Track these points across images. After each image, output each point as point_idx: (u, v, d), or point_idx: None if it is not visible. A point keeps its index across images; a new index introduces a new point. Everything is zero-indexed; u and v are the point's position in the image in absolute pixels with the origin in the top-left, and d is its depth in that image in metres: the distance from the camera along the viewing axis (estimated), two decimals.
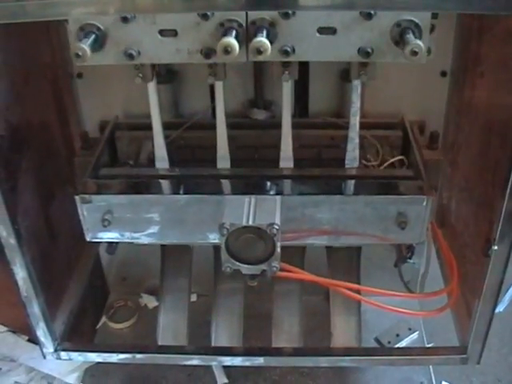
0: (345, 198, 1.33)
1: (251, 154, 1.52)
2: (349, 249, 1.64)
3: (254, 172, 1.42)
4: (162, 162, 1.44)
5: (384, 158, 1.50)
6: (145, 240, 1.41)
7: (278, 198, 1.31)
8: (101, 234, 1.39)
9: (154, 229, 1.38)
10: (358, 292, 1.51)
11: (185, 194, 1.35)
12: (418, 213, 1.32)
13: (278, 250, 1.27)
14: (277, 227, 1.24)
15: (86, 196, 1.33)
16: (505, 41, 1.27)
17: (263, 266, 1.30)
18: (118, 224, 1.36)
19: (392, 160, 1.48)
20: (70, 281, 1.67)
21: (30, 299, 1.44)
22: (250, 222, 1.25)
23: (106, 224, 1.34)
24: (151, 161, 1.46)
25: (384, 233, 1.35)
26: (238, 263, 1.30)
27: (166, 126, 1.43)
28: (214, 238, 1.34)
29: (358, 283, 1.63)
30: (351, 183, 1.40)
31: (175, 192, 1.38)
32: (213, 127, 1.39)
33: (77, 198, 1.33)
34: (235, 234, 1.26)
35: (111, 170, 1.47)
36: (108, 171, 1.45)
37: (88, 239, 1.40)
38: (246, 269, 1.31)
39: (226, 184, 1.41)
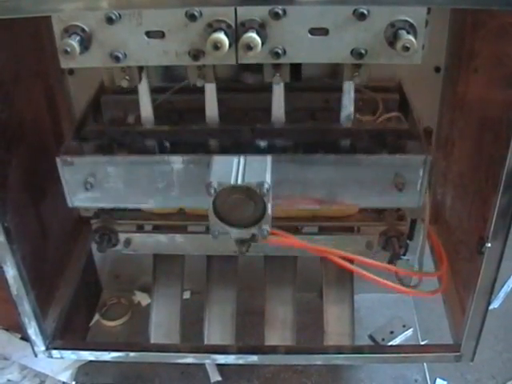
0: (339, 158, 1.29)
1: (242, 118, 1.46)
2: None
3: (243, 128, 1.37)
4: (148, 122, 1.39)
5: (381, 116, 1.45)
6: (129, 205, 1.37)
7: (269, 157, 1.26)
8: (83, 199, 1.34)
9: (138, 193, 1.33)
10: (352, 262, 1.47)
11: (171, 153, 1.31)
12: (417, 173, 1.27)
13: (269, 211, 1.21)
14: (267, 186, 1.18)
15: (68, 158, 1.28)
16: (499, 36, 1.26)
17: (253, 230, 1.25)
18: (101, 188, 1.31)
19: (388, 115, 1.44)
20: (62, 279, 1.66)
21: (20, 297, 1.43)
22: (239, 181, 1.19)
23: (88, 187, 1.29)
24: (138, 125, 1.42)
25: (380, 195, 1.31)
26: (226, 226, 1.24)
27: (154, 90, 1.38)
28: (204, 201, 1.25)
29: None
30: (346, 142, 1.36)
31: (160, 152, 1.35)
32: (202, 90, 1.34)
33: (58, 160, 1.28)
34: (223, 195, 1.20)
35: (95, 127, 1.43)
36: (91, 129, 1.41)
37: (70, 205, 1.34)
38: (235, 232, 1.25)
39: (214, 144, 1.37)
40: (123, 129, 1.42)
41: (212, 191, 1.18)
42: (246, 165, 1.24)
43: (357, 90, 1.34)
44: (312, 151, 1.31)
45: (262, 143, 1.35)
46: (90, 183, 1.29)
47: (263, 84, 1.35)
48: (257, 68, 1.43)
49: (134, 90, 1.35)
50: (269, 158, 1.26)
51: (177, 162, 1.28)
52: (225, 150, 1.33)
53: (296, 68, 1.45)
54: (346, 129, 1.37)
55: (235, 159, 1.25)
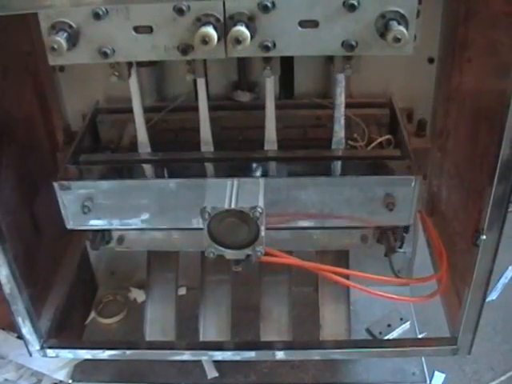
0: (331, 180, 1.31)
1: (235, 136, 1.50)
2: (338, 252, 1.62)
3: (237, 154, 1.40)
4: (144, 146, 1.41)
5: (371, 138, 1.47)
6: (125, 227, 1.40)
7: (262, 180, 1.29)
8: (81, 222, 1.37)
9: (134, 215, 1.36)
10: (347, 278, 1.49)
11: (166, 178, 1.33)
12: (407, 193, 1.29)
13: (262, 233, 1.24)
14: (260, 210, 1.20)
15: (65, 182, 1.30)
16: (492, 25, 1.26)
17: (247, 251, 1.27)
18: (98, 211, 1.34)
19: (379, 140, 1.46)
20: (56, 277, 1.66)
21: (13, 297, 1.42)
22: (233, 206, 1.22)
23: (86, 211, 1.32)
24: (134, 145, 1.44)
25: (371, 215, 1.33)
26: (221, 248, 1.27)
27: (149, 110, 1.41)
28: (197, 222, 1.30)
29: None
30: (337, 164, 1.38)
31: (156, 177, 1.37)
32: (196, 109, 1.36)
33: (55, 184, 1.30)
34: (217, 218, 1.23)
35: (91, 156, 1.44)
36: (88, 157, 1.42)
37: (68, 227, 1.38)
38: (229, 254, 1.28)
39: (208, 167, 1.39)
40: (118, 157, 1.45)
41: (206, 216, 1.22)
42: (239, 188, 1.27)
43: (347, 117, 1.38)
44: (305, 173, 1.34)
45: (255, 165, 1.37)
46: (87, 207, 1.32)
47: (256, 102, 1.44)
48: (249, 87, 1.51)
49: (130, 110, 1.38)
50: (261, 181, 1.29)
51: (172, 185, 1.31)
52: (218, 172, 1.37)
53: (289, 85, 1.55)
54: (337, 157, 1.39)
55: (229, 182, 1.29)
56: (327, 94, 1.57)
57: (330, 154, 1.39)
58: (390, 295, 1.48)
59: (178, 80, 1.58)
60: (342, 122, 1.36)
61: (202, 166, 1.39)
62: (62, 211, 1.35)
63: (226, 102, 1.55)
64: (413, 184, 1.29)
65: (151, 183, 1.33)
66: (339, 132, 1.37)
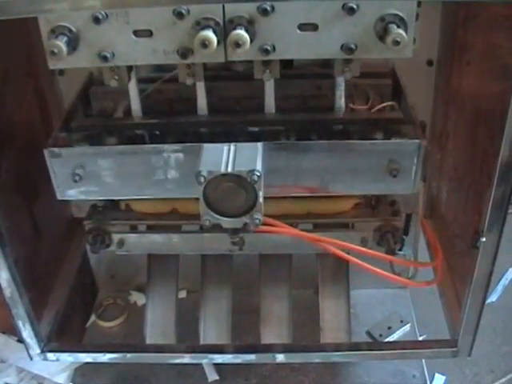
0: (332, 144, 1.27)
1: (233, 106, 1.44)
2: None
3: (234, 119, 1.36)
4: (137, 114, 1.38)
5: (374, 105, 1.42)
6: (119, 197, 1.37)
7: (260, 144, 1.24)
8: (72, 192, 1.32)
9: (128, 184, 1.32)
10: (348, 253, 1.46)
11: (160, 143, 1.29)
12: (411, 158, 1.26)
13: (261, 200, 1.19)
14: (258, 174, 1.15)
15: (56, 149, 1.27)
16: (491, 28, 1.26)
17: (245, 219, 1.22)
18: (90, 180, 1.30)
19: (382, 105, 1.41)
20: (57, 280, 1.66)
21: (14, 300, 1.42)
22: (229, 169, 1.17)
23: (76, 179, 1.28)
24: (127, 115, 1.40)
25: (374, 182, 1.29)
26: (217, 216, 1.22)
27: (143, 80, 1.37)
28: (193, 192, 1.22)
29: (348, 286, 1.63)
30: (339, 128, 1.34)
31: (150, 142, 1.33)
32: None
33: (46, 151, 1.27)
34: (213, 183, 1.18)
35: (83, 122, 1.41)
36: (80, 123, 1.40)
37: (59, 197, 1.33)
38: (226, 222, 1.23)
39: (205, 133, 1.35)
40: (112, 120, 1.41)
41: (202, 180, 1.16)
42: (236, 153, 1.22)
43: (349, 84, 1.34)
44: (304, 139, 1.29)
45: (253, 130, 1.33)
46: (78, 175, 1.27)
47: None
48: None
49: None
50: (260, 146, 1.24)
51: (167, 150, 1.27)
52: (216, 139, 1.30)
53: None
54: (339, 119, 1.36)
55: (225, 147, 1.23)
56: (326, 63, 1.49)
57: (332, 117, 1.36)
58: (387, 274, 1.45)
59: None
60: (343, 87, 1.33)
61: (198, 132, 1.35)
62: (53, 180, 1.30)
63: (223, 72, 1.45)
64: (417, 147, 1.25)
65: (145, 148, 1.28)
66: (340, 100, 1.35)
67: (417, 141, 1.25)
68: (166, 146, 1.27)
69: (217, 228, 1.25)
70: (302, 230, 1.43)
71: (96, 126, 1.40)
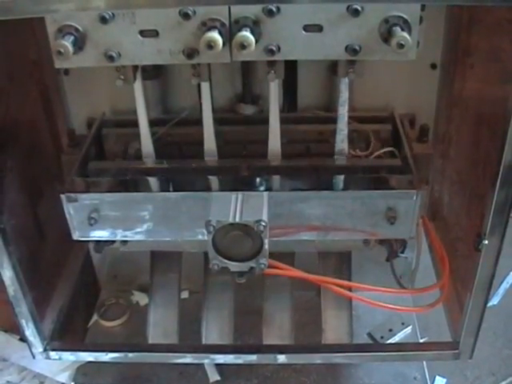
0: (333, 194, 1.32)
1: (239, 150, 1.50)
2: (340, 254, 1.64)
3: (240, 164, 1.40)
4: (149, 157, 1.43)
5: (374, 151, 1.47)
6: (131, 238, 1.40)
7: (266, 194, 1.30)
8: (88, 233, 1.38)
9: (140, 227, 1.37)
10: (350, 289, 1.50)
11: (170, 190, 1.34)
12: (408, 207, 1.30)
13: (266, 246, 1.26)
14: (264, 224, 1.22)
15: (72, 195, 1.32)
16: (494, 32, 1.26)
17: (251, 263, 1.29)
18: (104, 222, 1.35)
19: (382, 151, 1.46)
20: (59, 279, 1.66)
21: (17, 299, 1.43)
22: (237, 219, 1.24)
23: (92, 222, 1.33)
24: (138, 158, 1.45)
25: (373, 228, 1.34)
26: (225, 260, 1.29)
27: (154, 123, 1.42)
28: (202, 234, 1.32)
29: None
30: (340, 178, 1.39)
31: (161, 189, 1.38)
32: (200, 123, 1.37)
33: (62, 196, 1.32)
34: (222, 231, 1.25)
35: (98, 165, 1.45)
36: (95, 166, 1.43)
37: (75, 238, 1.38)
38: (233, 266, 1.30)
39: (213, 180, 1.39)
40: (125, 166, 1.46)
41: (211, 229, 1.23)
42: (243, 202, 1.28)
43: (349, 125, 1.38)
44: (308, 186, 1.35)
45: (259, 179, 1.37)
46: (93, 218, 1.33)
47: (260, 116, 1.45)
48: (252, 99, 1.53)
49: (135, 123, 1.39)
50: (265, 195, 1.30)
51: (177, 198, 1.33)
52: (222, 185, 1.38)
53: (292, 98, 1.56)
54: (340, 166, 1.40)
55: (233, 196, 1.30)
56: (330, 108, 1.58)
57: (333, 163, 1.41)
58: (392, 306, 1.51)
59: (182, 93, 1.59)
60: (345, 131, 1.37)
61: (207, 178, 1.40)
62: (69, 222, 1.36)
63: (230, 115, 1.56)
64: (414, 198, 1.29)
65: (157, 196, 1.34)
66: (341, 142, 1.38)
67: (414, 191, 1.29)
68: (175, 194, 1.33)
69: None
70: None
71: (110, 169, 1.44)
